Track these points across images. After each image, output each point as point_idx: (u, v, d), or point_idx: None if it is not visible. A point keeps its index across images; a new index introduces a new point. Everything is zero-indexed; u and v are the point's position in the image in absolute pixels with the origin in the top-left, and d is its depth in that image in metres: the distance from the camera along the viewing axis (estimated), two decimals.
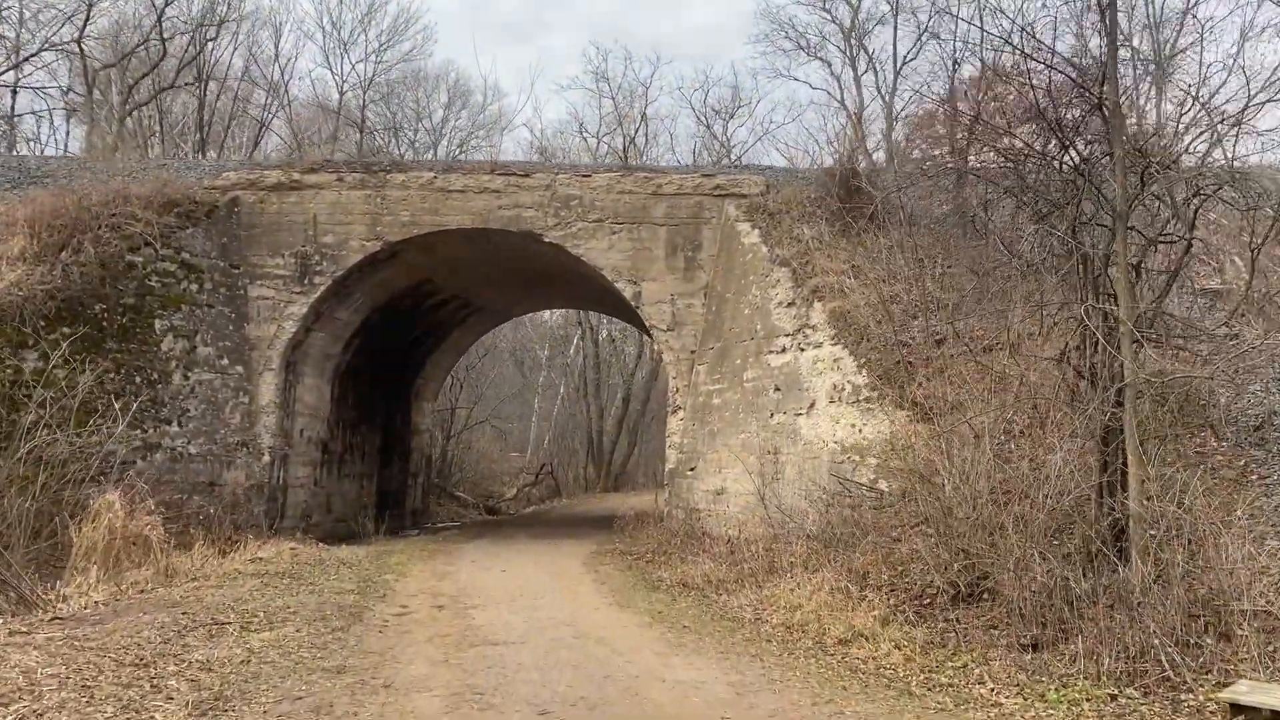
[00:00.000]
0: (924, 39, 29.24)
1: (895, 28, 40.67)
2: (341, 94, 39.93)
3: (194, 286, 18.40)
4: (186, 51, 36.74)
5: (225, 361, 18.61)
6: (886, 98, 29.81)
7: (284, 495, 19.36)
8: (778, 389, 15.75)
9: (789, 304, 16.08)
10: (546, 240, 19.06)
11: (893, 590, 10.61)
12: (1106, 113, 9.24)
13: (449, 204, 19.16)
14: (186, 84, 38.04)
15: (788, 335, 15.85)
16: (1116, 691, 7.40)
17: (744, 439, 16.30)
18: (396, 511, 25.64)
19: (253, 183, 19.50)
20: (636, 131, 38.94)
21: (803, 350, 15.46)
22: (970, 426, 10.80)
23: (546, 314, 53.14)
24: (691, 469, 17.79)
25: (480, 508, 31.99)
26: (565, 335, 46.36)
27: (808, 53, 34.22)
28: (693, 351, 18.59)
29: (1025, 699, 7.44)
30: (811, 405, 14.89)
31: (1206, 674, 7.48)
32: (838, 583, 10.85)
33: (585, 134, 40.91)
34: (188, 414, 17.89)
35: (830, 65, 35.39)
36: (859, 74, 31.77)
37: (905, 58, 39.40)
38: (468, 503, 32.19)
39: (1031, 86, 9.59)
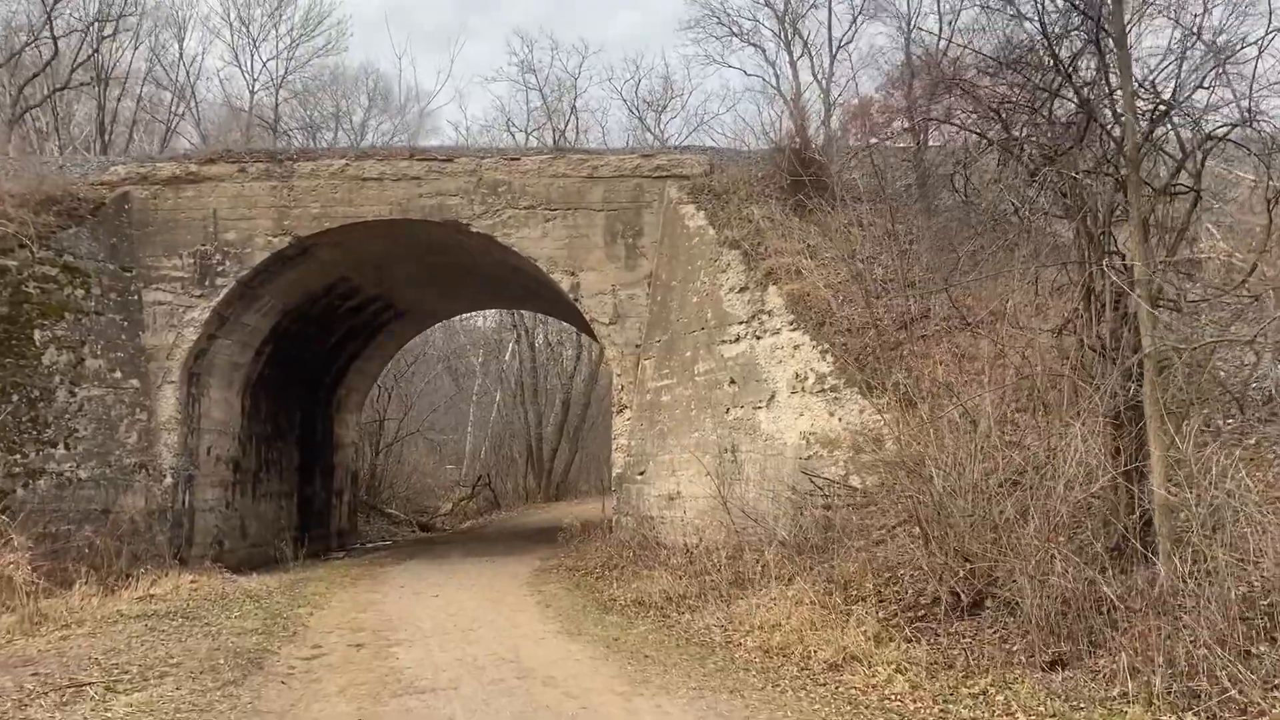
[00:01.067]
0: (859, 21, 28.26)
1: (830, 9, 39.88)
2: (253, 93, 37.77)
3: (79, 292, 16.44)
4: (80, 50, 34.27)
5: (118, 374, 16.68)
6: (824, 83, 28.83)
7: (190, 521, 17.48)
8: (733, 382, 14.42)
9: (741, 289, 14.77)
10: (474, 230, 17.50)
11: (881, 601, 9.32)
12: (1109, 44, 8.06)
13: (364, 193, 17.48)
14: (83, 84, 35.54)
15: (742, 323, 14.53)
16: (1176, 718, 6.16)
17: (698, 437, 14.94)
18: (320, 532, 23.77)
19: (145, 177, 17.60)
20: (567, 125, 37.46)
21: (759, 338, 14.16)
22: (963, 409, 9.55)
23: (480, 319, 51.35)
24: (641, 473, 16.37)
25: (413, 525, 30.18)
26: (499, 340, 44.61)
27: (740, 38, 33.14)
28: (637, 346, 17.19)
29: None
30: (771, 397, 13.59)
31: (1275, 689, 6.29)
32: (817, 595, 9.52)
33: (513, 129, 39.29)
34: (76, 434, 15.93)
35: (764, 51, 34.32)
36: (795, 58, 30.76)
37: (841, 41, 38.63)
38: (399, 520, 30.35)
39: (1019, 16, 8.39)
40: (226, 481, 18.92)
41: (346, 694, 7.41)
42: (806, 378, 13.06)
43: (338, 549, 24.42)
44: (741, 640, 9.12)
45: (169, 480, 16.85)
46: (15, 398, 15.28)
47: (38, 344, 15.73)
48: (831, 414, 12.53)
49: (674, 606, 11.04)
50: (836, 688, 7.49)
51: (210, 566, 16.43)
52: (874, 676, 7.63)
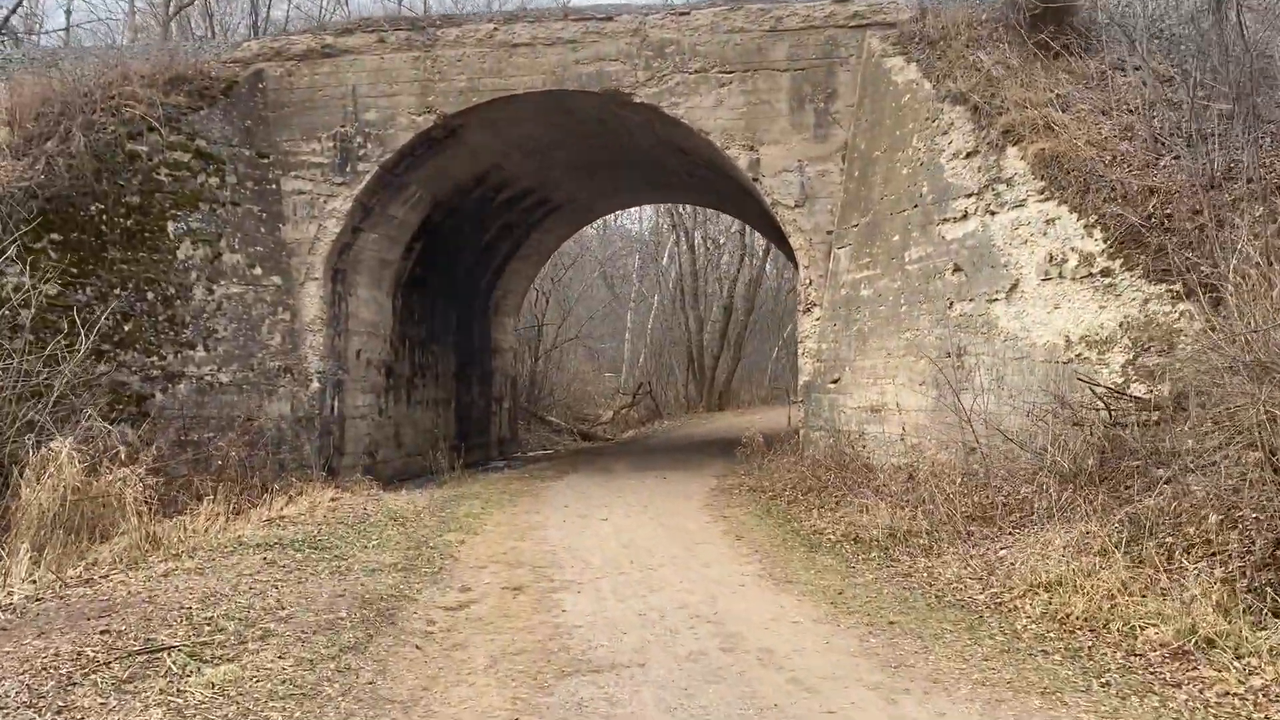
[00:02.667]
0: None
1: None
2: None
3: (214, 180, 15.08)
4: None
5: (258, 271, 15.37)
6: None
7: (340, 429, 16.26)
8: (958, 269, 11.71)
9: (969, 154, 11.93)
10: (637, 101, 15.13)
11: (1211, 554, 6.73)
12: None
13: (514, 62, 15.33)
14: None
15: (970, 196, 11.73)
16: None
17: (909, 339, 12.37)
18: (480, 441, 22.52)
19: (278, 52, 15.98)
20: None
21: (993, 214, 11.36)
22: None
23: (635, 222, 49.31)
24: (834, 381, 13.96)
25: (574, 433, 28.83)
26: (657, 243, 42.47)
27: None
28: (829, 232, 14.59)
29: None
30: (1013, 287, 10.85)
31: None
32: (1115, 542, 7.00)
33: None
34: (215, 335, 14.75)
35: None
36: None
37: None
38: (560, 428, 29.04)
39: None
40: (378, 387, 17.63)
41: (498, 670, 5.50)
42: (1065, 260, 10.24)
43: (498, 458, 23.19)
44: (1016, 603, 6.74)
45: (315, 385, 15.58)
46: (150, 295, 14.12)
47: (172, 237, 14.49)
48: (1103, 306, 9.73)
49: (900, 546, 8.72)
50: (1200, 690, 5.05)
51: (361, 478, 15.15)
52: (1251, 674, 5.16)
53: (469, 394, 21.94)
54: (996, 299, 11.04)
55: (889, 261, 13.04)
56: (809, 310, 14.76)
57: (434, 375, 20.12)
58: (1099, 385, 8.91)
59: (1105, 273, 9.80)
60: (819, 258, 14.61)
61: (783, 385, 43.71)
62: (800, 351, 14.88)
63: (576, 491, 13.96)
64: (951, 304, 11.74)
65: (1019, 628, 6.30)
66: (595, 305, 46.27)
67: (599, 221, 39.56)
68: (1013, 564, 7.39)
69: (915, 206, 12.63)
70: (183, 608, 6.21)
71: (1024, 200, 11.00)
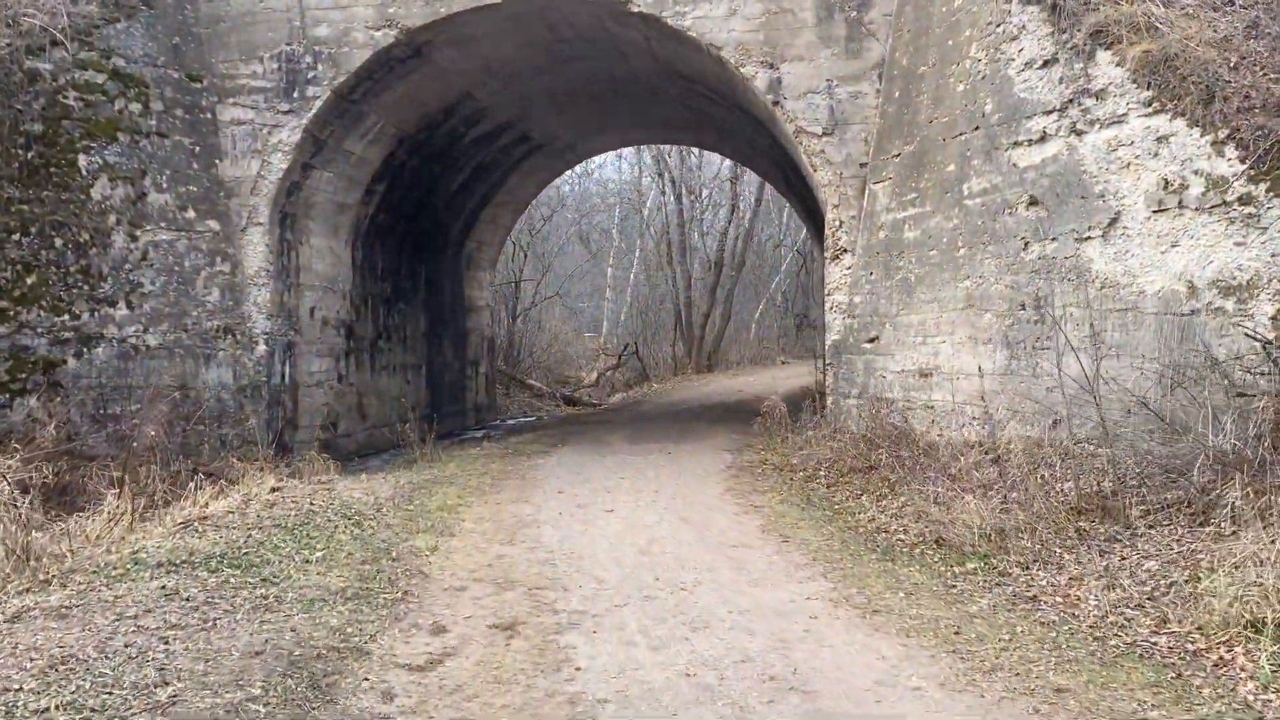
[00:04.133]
0: None
1: None
2: None
3: (135, 107, 12.71)
4: None
5: (191, 214, 13.07)
6: None
7: (293, 398, 14.08)
8: (1035, 202, 9.64)
9: (1046, 62, 9.81)
10: (634, 10, 12.85)
11: None
12: None
13: None
14: None
15: (1050, 112, 9.63)
16: None
17: (970, 288, 10.32)
18: (455, 409, 20.39)
19: None
20: None
21: (1082, 133, 9.27)
22: None
23: (615, 168, 46.82)
24: (872, 340, 11.92)
25: (557, 398, 26.71)
26: (639, 193, 40.10)
27: None
28: (862, 165, 12.47)
29: None
30: (1112, 221, 8.80)
31: None
32: None
33: None
34: (140, 290, 12.49)
35: None
36: None
37: None
38: (542, 392, 26.92)
39: None
40: (337, 350, 15.43)
41: None
42: (1185, 186, 8.20)
43: (475, 427, 21.08)
44: (1224, 653, 4.75)
45: (261, 348, 13.37)
46: (59, 242, 11.82)
47: (84, 173, 12.14)
48: (1241, 242, 7.71)
49: (1007, 553, 6.72)
50: None
51: (317, 456, 13.00)
52: None
53: (441, 357, 19.75)
54: (1089, 237, 8.99)
55: (941, 196, 10.94)
56: (838, 257, 12.67)
57: (401, 337, 17.92)
58: (1264, 339, 6.90)
59: (1245, 200, 7.77)
60: (851, 195, 12.50)
61: (772, 344, 41.82)
62: (827, 306, 12.80)
63: (570, 471, 11.89)
64: (1027, 245, 9.68)
65: (1246, 698, 4.31)
66: (571, 260, 43.97)
67: (577, 169, 37.24)
68: (1186, 585, 5.41)
69: (976, 129, 10.52)
70: (6, 691, 4.09)
71: (1123, 115, 8.92)
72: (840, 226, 12.56)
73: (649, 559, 7.19)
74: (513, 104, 17.13)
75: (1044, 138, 9.67)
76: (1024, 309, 9.60)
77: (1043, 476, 7.77)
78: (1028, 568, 6.48)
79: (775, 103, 12.67)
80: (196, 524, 7.39)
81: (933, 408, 10.68)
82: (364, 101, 14.09)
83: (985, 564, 6.65)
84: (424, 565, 6.93)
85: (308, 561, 6.71)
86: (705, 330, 34.73)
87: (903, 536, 7.51)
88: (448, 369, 20.07)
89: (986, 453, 8.91)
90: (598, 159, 43.18)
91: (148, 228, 12.59)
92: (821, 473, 10.37)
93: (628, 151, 45.55)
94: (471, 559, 7.20)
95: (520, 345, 28.77)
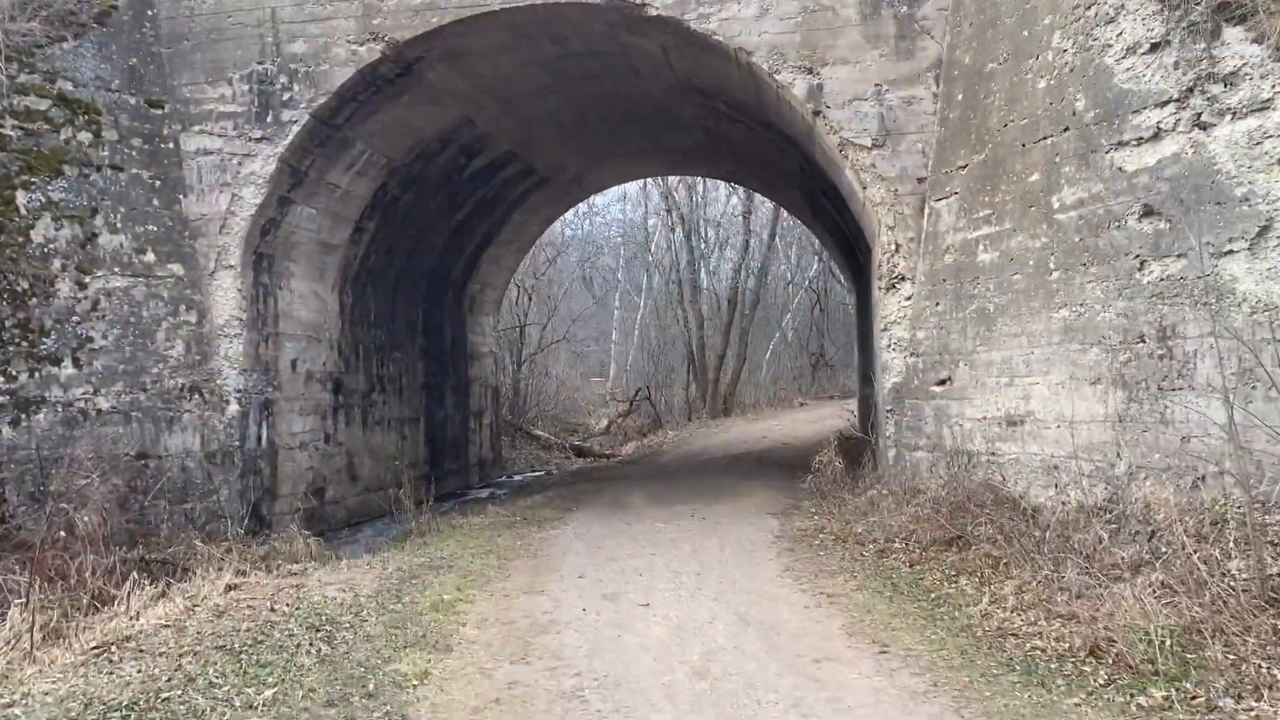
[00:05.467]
0: None
1: None
2: None
3: (85, 136, 11.14)
4: None
5: (151, 257, 11.44)
6: None
7: (271, 464, 12.35)
8: (1151, 212, 7.96)
9: (1155, 45, 8.18)
10: (652, 14, 11.29)
11: None
12: None
13: None
14: None
15: (1164, 104, 7.98)
16: None
17: (1069, 318, 8.61)
18: (456, 466, 18.63)
19: None
20: None
21: (1209, 126, 7.62)
22: None
23: (618, 209, 45.45)
24: (941, 382, 10.18)
25: (566, 448, 24.96)
26: (646, 233, 38.64)
27: None
28: (920, 179, 10.83)
29: None
30: (1263, 231, 7.11)
31: None
32: None
33: None
34: (90, 345, 10.83)
35: None
36: None
37: None
38: (550, 443, 25.17)
39: None
40: (324, 407, 13.73)
41: None
42: None
43: (479, 484, 19.33)
44: None
45: (234, 408, 11.67)
46: None
47: (23, 211, 10.55)
48: None
49: (1203, 670, 4.94)
50: None
51: (296, 534, 11.25)
52: None
53: (442, 409, 18.03)
54: (1231, 251, 7.30)
55: (1024, 211, 9.27)
56: (894, 286, 10.98)
57: (397, 388, 16.22)
58: None
59: None
60: (908, 214, 10.84)
61: (788, 385, 39.98)
62: (884, 343, 11.07)
63: (590, 545, 10.10)
64: (1143, 264, 7.97)
65: None
66: (579, 304, 42.41)
67: (581, 208, 35.84)
68: None
69: (1065, 131, 8.87)
70: None
71: (1267, 101, 7.27)
72: (897, 250, 10.87)
73: (708, 685, 5.41)
74: (515, 131, 15.58)
75: (1158, 135, 8.01)
76: (1143, 342, 7.87)
77: (1211, 555, 6.01)
78: (1239, 696, 4.69)
79: (816, 112, 11.05)
80: (115, 649, 5.62)
81: (1027, 463, 8.92)
82: (348, 127, 12.52)
83: (1177, 689, 4.86)
84: (410, 705, 5.14)
85: (250, 707, 4.93)
86: (720, 373, 32.99)
87: (1040, 644, 5.72)
88: (449, 422, 18.34)
89: (1113, 521, 7.14)
90: (602, 198, 41.82)
91: (99, 273, 10.96)
92: (897, 545, 8.60)
93: (633, 192, 44.32)
94: (473, 690, 5.41)
95: (526, 393, 27.06)
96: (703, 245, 35.37)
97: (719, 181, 39.83)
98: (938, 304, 10.35)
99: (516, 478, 20.58)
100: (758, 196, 33.37)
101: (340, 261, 14.10)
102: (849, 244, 16.56)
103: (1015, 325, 9.24)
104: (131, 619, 6.33)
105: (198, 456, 11.43)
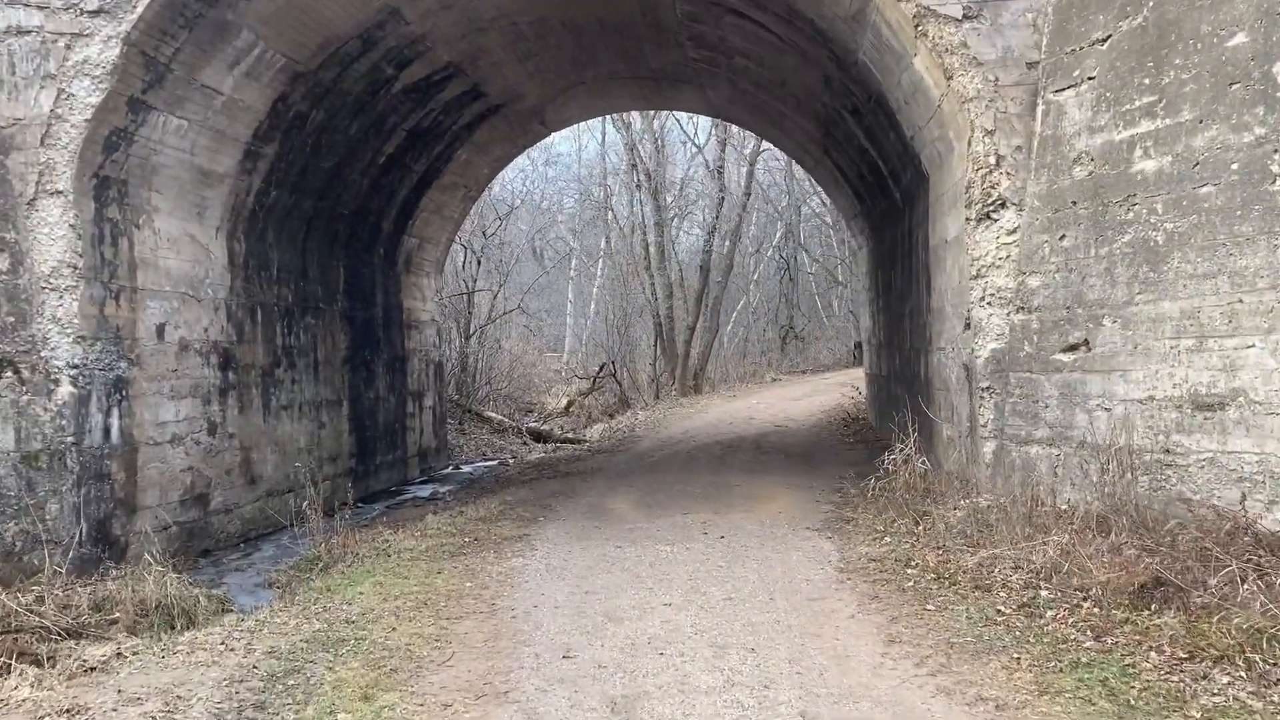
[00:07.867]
0: None
1: None
2: None
3: None
4: None
5: None
6: None
7: (127, 467, 9.01)
8: None
9: None
10: None
11: None
12: None
13: None
14: None
15: None
16: None
17: None
18: (392, 458, 15.36)
19: None
20: None
21: None
22: None
23: (576, 158, 42.14)
24: (1072, 348, 7.16)
25: (522, 431, 21.74)
26: (606, 191, 35.34)
27: None
28: (1031, 64, 7.75)
29: None
30: None
31: None
32: None
33: None
34: None
35: None
36: None
37: None
38: (504, 426, 21.94)
39: None
40: (207, 387, 10.39)
41: None
42: None
43: (420, 478, 16.09)
44: None
45: (66, 390, 8.32)
46: None
47: None
48: None
49: None
50: None
51: (168, 560, 7.91)
52: None
53: (371, 390, 14.70)
54: None
55: (1221, 91, 6.24)
56: (988, 217, 7.90)
57: (311, 364, 12.87)
58: None
59: None
60: (1012, 114, 7.77)
61: (756, 359, 37.08)
62: (975, 295, 7.99)
63: (572, 586, 6.94)
64: None
65: None
66: (529, 272, 39.09)
67: (534, 153, 32.61)
68: None
69: None
70: None
71: None
72: (998, 164, 7.79)
73: None
74: (459, 36, 12.23)
75: None
76: None
77: None
78: None
79: None
80: None
81: (1231, 466, 5.93)
82: (227, 5, 9.11)
83: None
84: None
85: None
86: (689, 348, 29.87)
87: None
88: (381, 405, 15.01)
89: None
90: (558, 144, 38.44)
91: None
92: (1052, 595, 5.55)
93: (592, 150, 40.95)
94: None
95: (476, 369, 23.74)
96: (671, 205, 32.14)
97: (680, 143, 36.80)
98: (1062, 237, 7.30)
99: (466, 469, 17.36)
100: (730, 151, 30.33)
101: (227, 196, 10.70)
102: (872, 183, 13.52)
103: (1207, 262, 6.22)
104: None
105: (10, 459, 8.07)
